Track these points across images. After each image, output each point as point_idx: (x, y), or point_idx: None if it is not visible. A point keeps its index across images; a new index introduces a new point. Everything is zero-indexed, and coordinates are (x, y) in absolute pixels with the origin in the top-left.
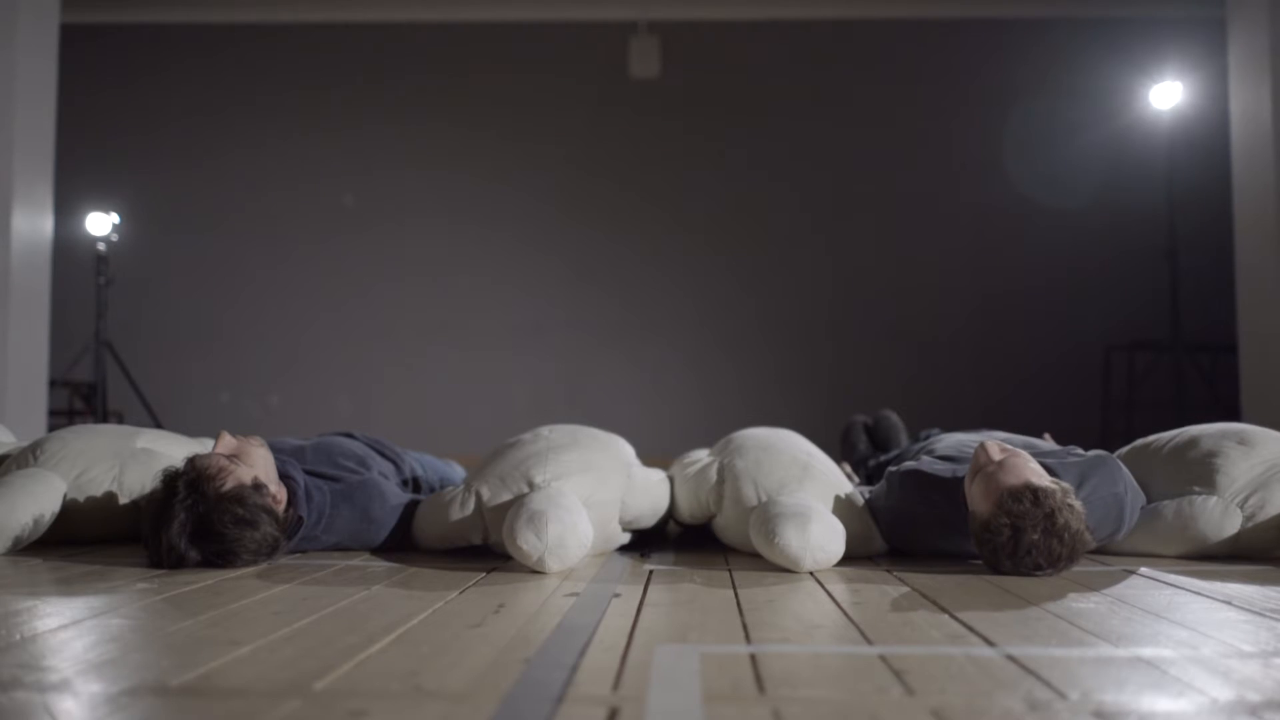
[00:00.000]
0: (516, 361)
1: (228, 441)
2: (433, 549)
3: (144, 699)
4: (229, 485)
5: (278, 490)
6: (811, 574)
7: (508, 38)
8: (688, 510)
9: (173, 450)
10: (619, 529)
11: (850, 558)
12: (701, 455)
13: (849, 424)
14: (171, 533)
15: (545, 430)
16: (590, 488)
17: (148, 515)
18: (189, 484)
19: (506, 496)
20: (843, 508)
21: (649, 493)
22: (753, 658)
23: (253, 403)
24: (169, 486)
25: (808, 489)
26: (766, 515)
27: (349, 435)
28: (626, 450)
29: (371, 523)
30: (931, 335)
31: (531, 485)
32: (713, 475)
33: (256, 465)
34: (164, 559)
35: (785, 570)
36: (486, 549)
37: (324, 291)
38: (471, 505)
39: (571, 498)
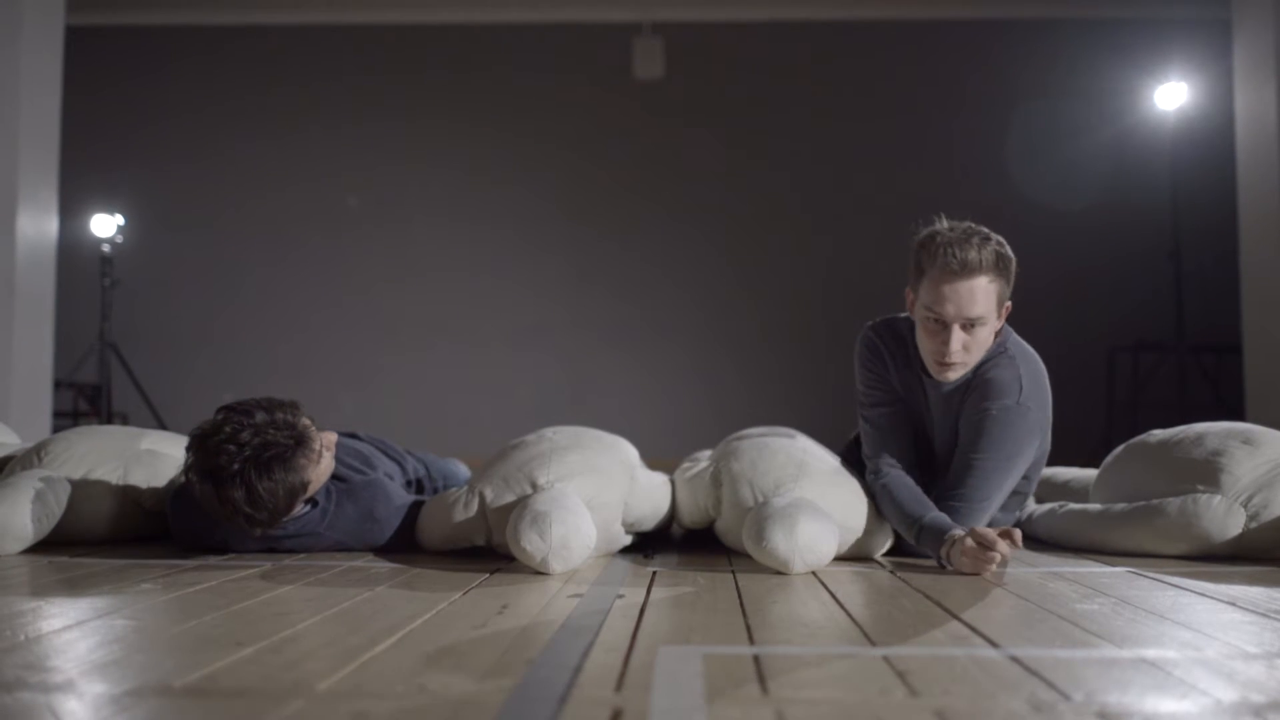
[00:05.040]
0: (519, 362)
1: (330, 439)
2: (436, 550)
3: (148, 700)
4: (310, 462)
5: (310, 493)
6: (815, 574)
7: (511, 39)
8: (688, 515)
9: (177, 452)
10: (621, 530)
11: (857, 556)
12: (702, 458)
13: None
14: (250, 457)
15: (549, 431)
16: (594, 489)
17: (231, 424)
18: (297, 435)
19: (510, 498)
20: (844, 504)
21: (651, 495)
22: (756, 659)
23: None
24: (274, 413)
25: (804, 487)
26: (757, 518)
27: (353, 435)
28: (630, 452)
29: (375, 522)
30: None
31: (535, 486)
32: (709, 479)
33: (322, 470)
34: (217, 460)
35: (783, 573)
36: (490, 550)
37: (328, 292)
38: (475, 506)
39: (575, 499)
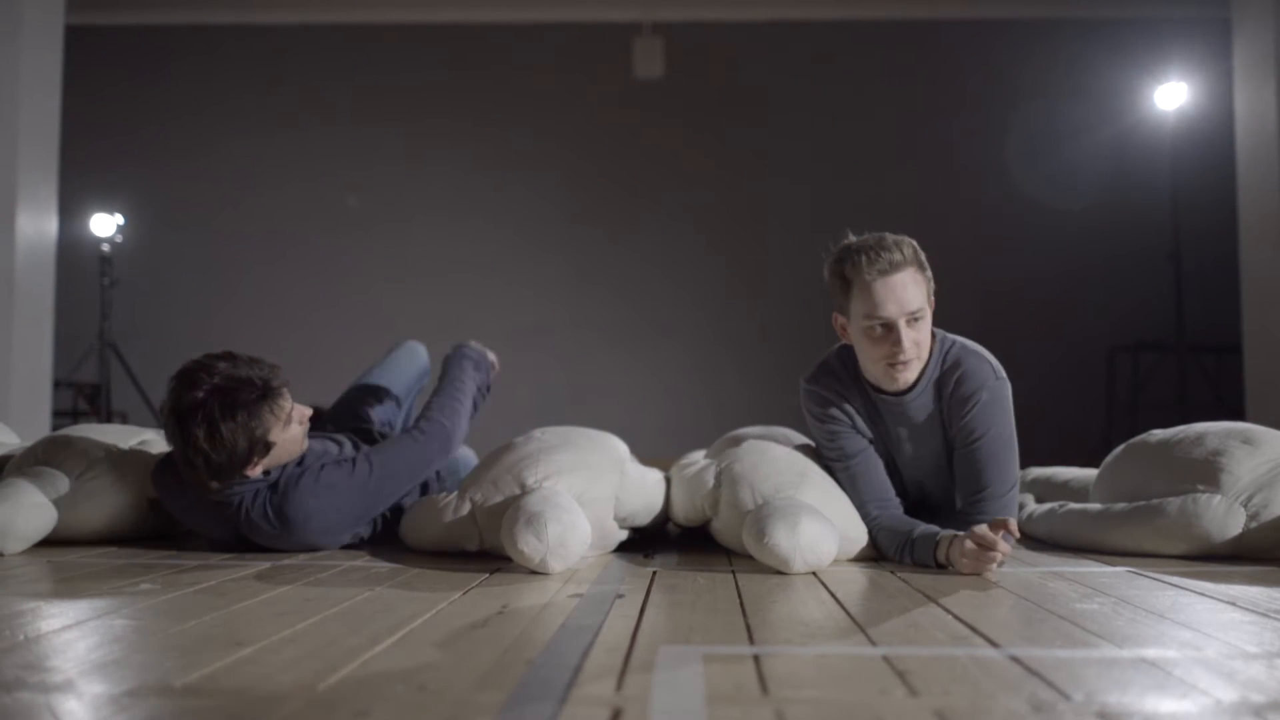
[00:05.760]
0: (519, 362)
1: (303, 411)
2: (428, 550)
3: (147, 700)
4: (275, 419)
5: (272, 460)
6: (815, 574)
7: (511, 39)
8: (682, 513)
9: None
10: (615, 526)
11: (849, 560)
12: (698, 457)
13: None
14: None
15: (538, 432)
16: (583, 485)
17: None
18: (268, 387)
19: (498, 499)
20: (844, 514)
21: (643, 489)
22: (756, 659)
23: None
24: (257, 370)
25: (805, 493)
26: (758, 516)
27: (353, 442)
28: (619, 447)
29: (286, 520)
30: None
31: (524, 487)
32: (709, 479)
33: (291, 441)
34: (186, 391)
35: (783, 572)
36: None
37: (327, 291)
38: (465, 510)
39: (566, 496)
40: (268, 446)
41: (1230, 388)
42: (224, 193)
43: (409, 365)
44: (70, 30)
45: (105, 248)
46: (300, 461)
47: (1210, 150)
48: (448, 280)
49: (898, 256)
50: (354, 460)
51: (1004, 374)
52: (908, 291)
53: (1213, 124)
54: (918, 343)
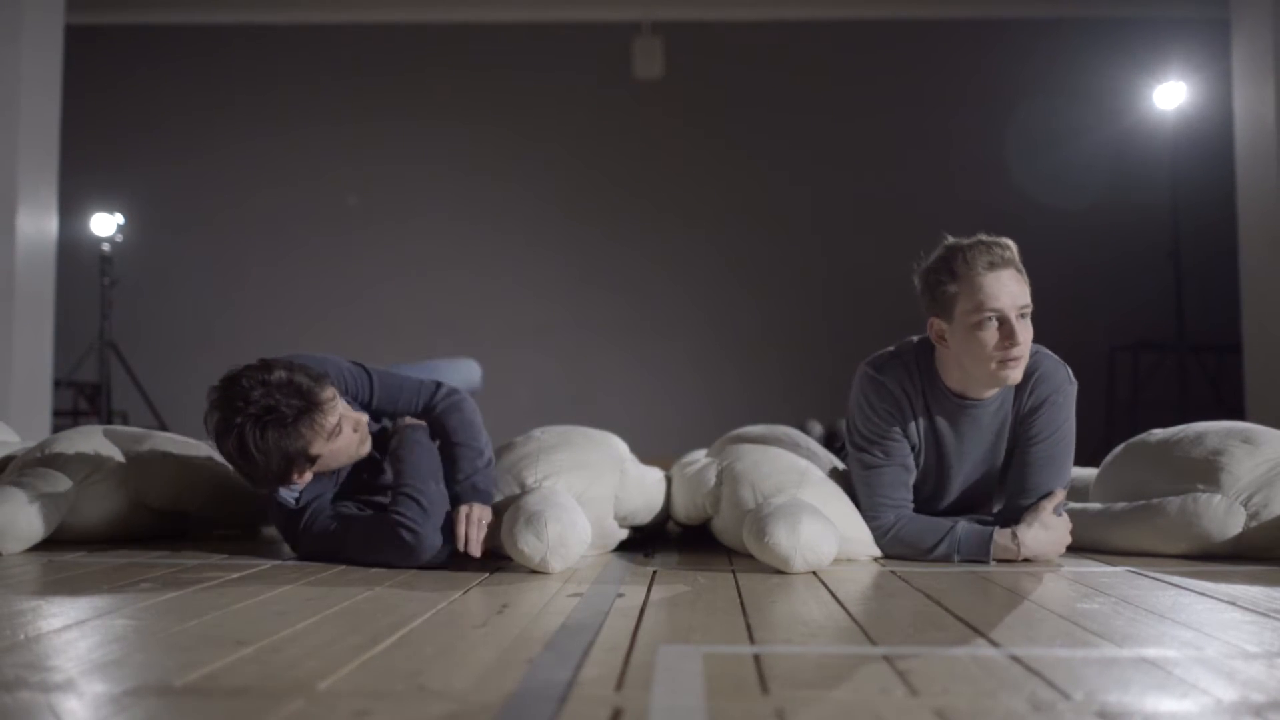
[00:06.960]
0: (519, 362)
1: (358, 418)
2: None
3: (148, 699)
4: (315, 434)
5: (322, 466)
6: (815, 574)
7: (511, 38)
8: (683, 511)
9: (181, 452)
10: (615, 525)
11: (848, 560)
12: (699, 455)
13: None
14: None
15: (537, 432)
16: (583, 485)
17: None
18: (308, 403)
19: (498, 499)
20: (844, 516)
21: (643, 489)
22: (756, 658)
23: None
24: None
25: (806, 492)
26: (758, 515)
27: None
28: (619, 446)
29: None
30: None
31: (524, 487)
32: (711, 478)
33: (341, 450)
34: (223, 412)
35: (783, 571)
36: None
37: (328, 291)
38: None
39: (566, 495)
40: (311, 459)
41: (1230, 387)
42: (224, 192)
43: (465, 374)
44: (70, 30)
45: (105, 247)
46: (325, 491)
47: (1210, 150)
48: (448, 280)
49: (1007, 253)
50: (329, 533)
51: (1074, 377)
52: (1017, 286)
53: (1212, 124)
54: (1027, 340)
